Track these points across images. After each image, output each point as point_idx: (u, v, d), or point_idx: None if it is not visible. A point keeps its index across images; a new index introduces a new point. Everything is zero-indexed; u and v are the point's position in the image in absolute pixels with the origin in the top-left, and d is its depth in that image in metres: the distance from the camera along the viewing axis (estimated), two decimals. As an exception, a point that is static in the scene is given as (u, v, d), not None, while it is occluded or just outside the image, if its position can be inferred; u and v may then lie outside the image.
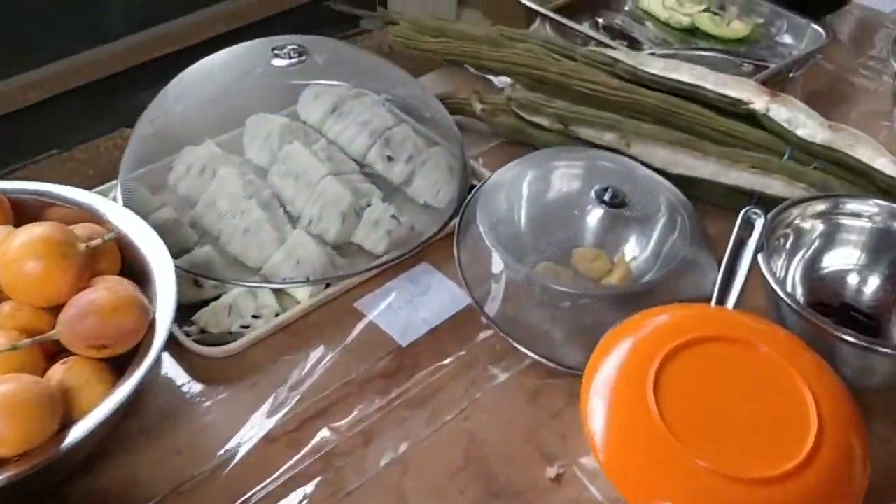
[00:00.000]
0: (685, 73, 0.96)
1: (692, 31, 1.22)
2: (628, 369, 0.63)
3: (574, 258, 0.82)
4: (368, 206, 0.84)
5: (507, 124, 0.97)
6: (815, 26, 1.15)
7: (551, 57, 1.01)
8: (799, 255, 0.79)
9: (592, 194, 0.80)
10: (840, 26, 1.28)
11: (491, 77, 1.10)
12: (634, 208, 0.81)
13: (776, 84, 1.10)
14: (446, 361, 0.75)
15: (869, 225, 0.79)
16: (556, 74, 0.99)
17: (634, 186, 0.82)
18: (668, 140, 0.88)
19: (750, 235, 0.73)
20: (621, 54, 1.00)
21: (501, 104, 0.99)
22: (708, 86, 0.92)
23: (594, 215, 0.81)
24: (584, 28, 1.16)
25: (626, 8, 1.28)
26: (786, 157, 0.87)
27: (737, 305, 0.70)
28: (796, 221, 0.78)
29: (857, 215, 0.79)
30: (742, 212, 0.74)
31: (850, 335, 0.66)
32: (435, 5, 1.20)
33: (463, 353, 0.76)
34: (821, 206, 0.78)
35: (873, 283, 0.79)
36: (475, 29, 1.08)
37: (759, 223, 0.73)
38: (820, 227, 0.79)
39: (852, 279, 0.79)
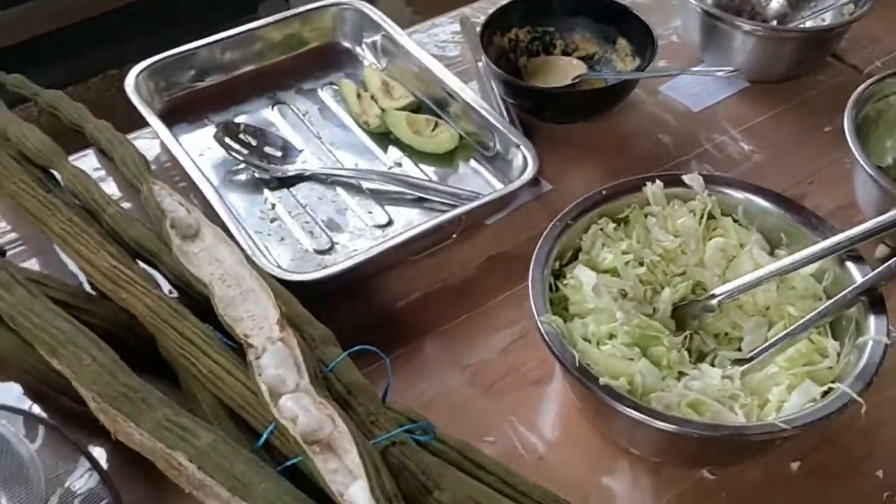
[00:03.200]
0: (226, 257, 0.66)
1: (388, 136, 0.90)
2: None
3: None
4: None
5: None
6: (526, 151, 0.82)
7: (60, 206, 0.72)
8: None
9: None
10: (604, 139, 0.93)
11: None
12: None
13: (466, 231, 0.79)
14: None
15: None
16: (56, 234, 0.70)
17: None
18: (100, 391, 0.58)
19: None
20: (181, 204, 0.71)
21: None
22: (217, 292, 0.62)
23: None
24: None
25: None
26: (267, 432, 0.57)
27: None
28: None
29: None
30: None
31: None
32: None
33: None
34: None
35: None
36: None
37: None
38: None
39: None
